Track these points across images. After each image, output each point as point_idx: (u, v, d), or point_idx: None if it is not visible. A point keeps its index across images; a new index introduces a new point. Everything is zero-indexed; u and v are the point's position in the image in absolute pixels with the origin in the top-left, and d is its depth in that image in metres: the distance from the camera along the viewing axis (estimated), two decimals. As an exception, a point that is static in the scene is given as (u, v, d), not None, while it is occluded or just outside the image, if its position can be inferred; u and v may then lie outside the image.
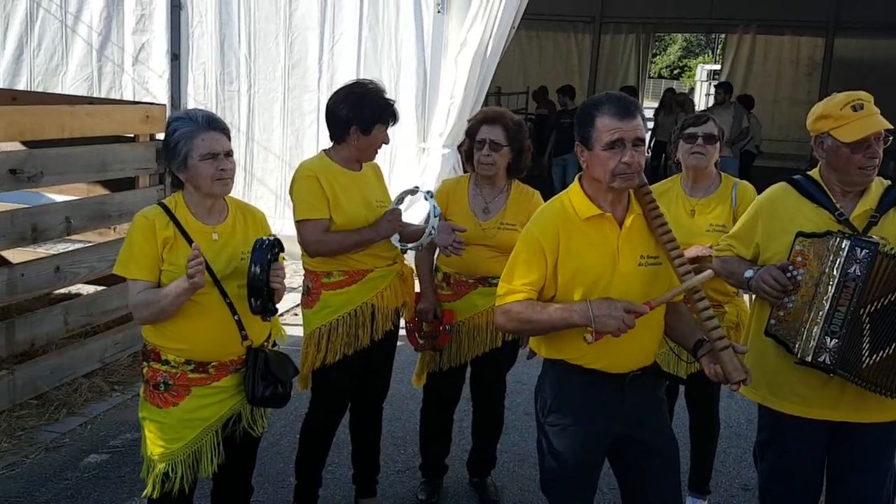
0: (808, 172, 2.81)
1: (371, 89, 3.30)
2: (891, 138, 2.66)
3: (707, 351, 2.45)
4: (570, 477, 2.61)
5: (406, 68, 7.50)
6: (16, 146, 4.61)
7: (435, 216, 3.28)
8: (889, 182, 2.75)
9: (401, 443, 4.36)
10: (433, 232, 3.30)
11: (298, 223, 3.29)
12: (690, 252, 3.13)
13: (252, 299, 2.56)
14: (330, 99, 3.34)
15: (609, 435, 2.58)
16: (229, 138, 2.69)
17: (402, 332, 3.62)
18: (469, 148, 3.54)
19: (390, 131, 3.38)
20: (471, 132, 3.53)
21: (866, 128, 2.57)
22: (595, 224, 2.49)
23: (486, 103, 8.09)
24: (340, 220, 3.26)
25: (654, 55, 30.52)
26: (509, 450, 4.29)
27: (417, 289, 3.63)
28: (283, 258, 2.67)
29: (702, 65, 30.63)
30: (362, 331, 3.35)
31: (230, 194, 2.78)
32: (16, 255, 5.26)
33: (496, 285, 3.38)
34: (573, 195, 2.54)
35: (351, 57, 7.60)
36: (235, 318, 2.64)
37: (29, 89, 8.03)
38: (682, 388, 3.69)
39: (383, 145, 3.37)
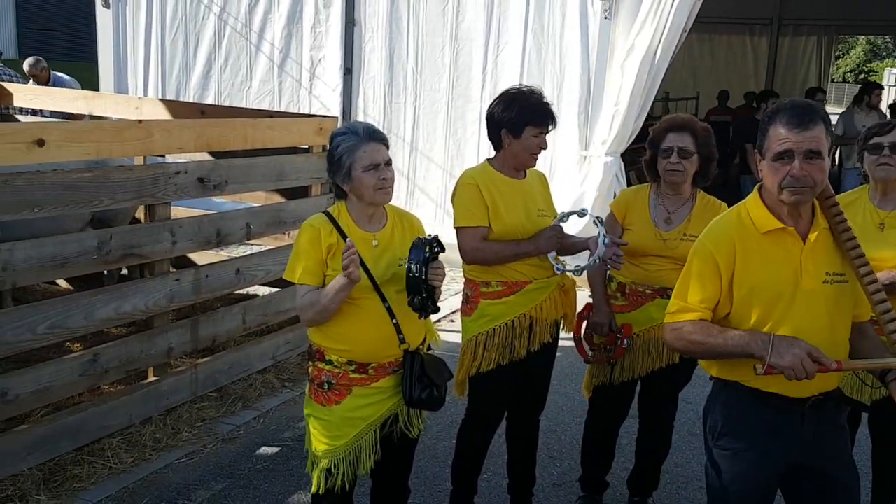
0: None
1: (524, 92, 3.29)
2: None
3: None
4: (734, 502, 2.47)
5: (570, 75, 7.44)
6: (204, 156, 4.97)
7: (604, 244, 3.16)
8: None
9: (556, 455, 4.31)
10: (597, 261, 3.21)
11: (457, 230, 3.34)
12: (882, 277, 2.87)
13: (411, 296, 2.63)
14: (489, 106, 3.37)
15: (784, 463, 2.43)
16: (388, 147, 2.78)
17: (561, 343, 3.58)
18: (652, 157, 3.45)
19: (550, 139, 3.35)
20: (655, 141, 3.43)
21: None
22: (776, 238, 2.35)
23: (652, 109, 7.87)
24: (499, 229, 3.27)
25: (837, 58, 28.60)
26: (671, 471, 4.14)
27: (585, 300, 3.56)
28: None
29: (890, 68, 28.40)
30: (519, 342, 3.34)
31: (391, 201, 2.86)
32: (201, 258, 5.67)
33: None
34: (752, 207, 2.41)
35: (514, 66, 7.63)
36: (394, 321, 2.72)
37: (216, 103, 8.64)
38: (865, 416, 3.42)
39: (541, 151, 3.33)
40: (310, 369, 2.85)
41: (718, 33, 16.46)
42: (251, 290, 5.72)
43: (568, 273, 3.38)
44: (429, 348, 2.95)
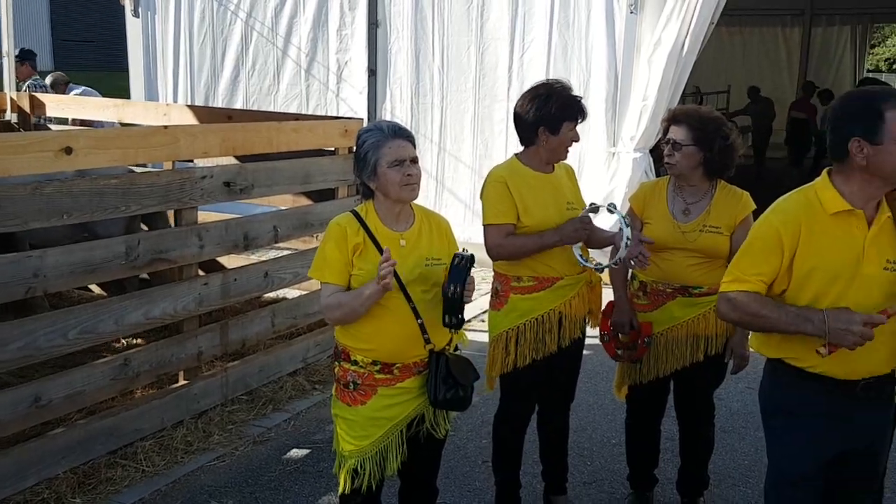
0: None
1: (557, 88, 3.28)
2: None
3: None
4: (787, 485, 2.54)
5: (596, 72, 7.37)
6: (230, 160, 5.00)
7: (626, 245, 3.13)
8: None
9: (587, 454, 4.27)
10: (619, 262, 3.21)
11: (484, 227, 3.34)
12: None
13: (447, 315, 2.64)
14: (517, 103, 3.35)
15: (834, 447, 2.47)
16: (414, 145, 2.76)
17: (589, 341, 3.55)
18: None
19: (578, 130, 3.34)
20: (664, 132, 3.42)
21: None
22: (842, 220, 2.38)
23: (683, 104, 7.76)
24: (530, 223, 3.27)
25: (872, 47, 28.03)
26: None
27: (610, 297, 3.54)
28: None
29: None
30: (549, 336, 3.34)
31: (420, 202, 2.85)
32: (230, 262, 5.71)
33: (697, 295, 3.31)
34: (820, 189, 2.44)
35: (540, 63, 7.58)
36: (419, 321, 2.70)
37: (245, 108, 8.70)
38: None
39: (574, 144, 3.33)
40: (336, 369, 2.84)
41: (749, 25, 16.27)
42: (280, 293, 5.75)
43: (591, 268, 3.37)
44: (455, 348, 2.93)
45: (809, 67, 16.14)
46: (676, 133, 3.30)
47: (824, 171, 2.48)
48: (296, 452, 4.28)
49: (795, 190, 2.53)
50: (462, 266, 2.62)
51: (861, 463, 2.52)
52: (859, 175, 2.36)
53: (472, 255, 2.68)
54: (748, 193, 3.38)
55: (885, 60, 32.69)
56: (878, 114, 2.30)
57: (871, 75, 19.29)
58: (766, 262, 2.42)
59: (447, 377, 2.74)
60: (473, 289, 2.67)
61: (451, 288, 2.60)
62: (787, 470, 2.54)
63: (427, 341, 2.74)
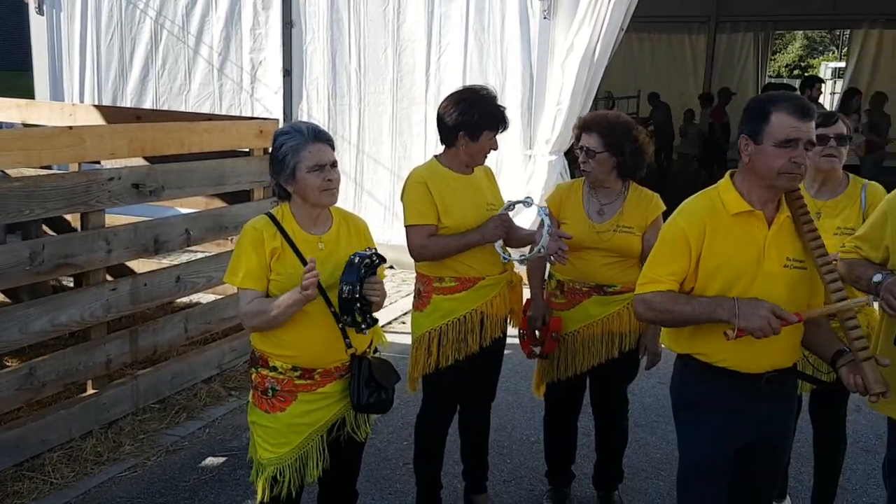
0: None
1: (482, 96, 3.32)
2: None
3: (848, 361, 2.42)
4: (698, 476, 2.62)
5: (512, 75, 7.46)
6: (139, 162, 4.86)
7: (548, 233, 3.21)
8: None
9: (507, 452, 4.32)
10: (542, 250, 3.27)
11: (406, 228, 3.36)
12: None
13: (343, 315, 2.61)
14: (441, 104, 3.38)
15: (741, 438, 2.57)
16: (334, 149, 2.73)
17: (509, 341, 3.60)
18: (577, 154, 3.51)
19: (498, 138, 3.38)
20: (576, 139, 3.50)
21: None
22: (743, 221, 2.48)
23: (595, 108, 7.94)
24: (450, 224, 3.30)
25: (774, 53, 29.28)
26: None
27: (527, 295, 3.60)
28: (384, 268, 2.69)
29: (825, 63, 29.20)
30: (471, 337, 3.37)
31: (338, 204, 2.82)
32: (140, 266, 5.55)
33: (611, 294, 3.40)
34: (723, 190, 2.53)
35: (457, 66, 7.63)
36: (340, 326, 2.67)
37: (155, 108, 8.46)
38: (805, 403, 3.50)
39: (492, 151, 3.38)
40: (253, 376, 2.78)
41: (658, 32, 16.72)
42: (193, 297, 5.61)
43: (514, 261, 3.43)
44: (375, 351, 2.91)
45: (715, 73, 16.70)
46: (588, 141, 3.38)
47: (727, 174, 2.58)
48: (211, 461, 4.18)
49: (700, 192, 2.62)
50: (356, 265, 2.57)
51: (767, 455, 2.62)
52: (749, 175, 2.48)
53: (376, 255, 2.64)
54: (658, 195, 3.49)
55: (786, 66, 34.16)
56: (766, 115, 2.40)
57: (773, 81, 20.12)
58: (675, 262, 2.50)
59: (370, 381, 2.72)
60: (380, 289, 2.63)
61: (343, 287, 2.56)
62: (697, 462, 2.62)
63: (348, 345, 2.71)
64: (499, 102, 3.35)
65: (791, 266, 2.48)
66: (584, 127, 3.43)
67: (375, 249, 2.70)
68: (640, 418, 4.62)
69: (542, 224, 3.26)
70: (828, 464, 3.54)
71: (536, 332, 3.56)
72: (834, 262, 2.94)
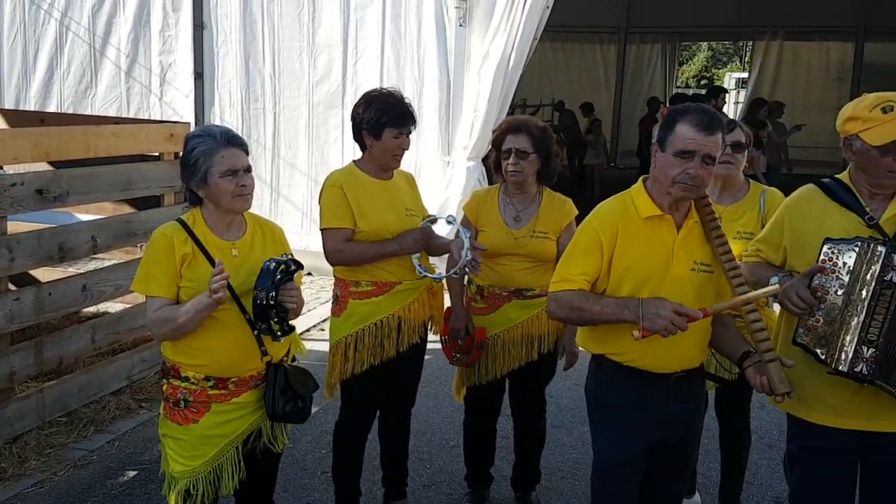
0: (838, 175, 2.74)
1: (384, 93, 3.33)
2: None
3: (754, 362, 2.50)
4: (611, 474, 2.68)
5: (429, 82, 7.50)
6: (43, 167, 4.67)
7: (466, 256, 3.20)
8: None
9: (426, 458, 4.32)
10: (458, 272, 3.29)
11: (322, 232, 3.33)
12: None
13: (258, 323, 2.57)
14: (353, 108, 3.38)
15: (652, 437, 2.63)
16: (248, 153, 2.69)
17: (429, 346, 3.60)
18: (496, 158, 3.53)
19: (414, 144, 3.38)
20: (496, 142, 3.51)
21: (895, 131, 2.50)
22: (654, 224, 2.55)
23: (511, 115, 8.05)
24: (366, 229, 3.28)
25: (681, 64, 30.28)
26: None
27: (448, 303, 3.61)
28: (302, 275, 2.66)
29: (730, 73, 30.35)
30: (388, 342, 3.36)
31: (252, 209, 2.77)
32: (44, 275, 5.33)
33: (531, 297, 3.44)
34: (636, 194, 2.61)
35: (374, 72, 7.62)
36: (254, 333, 2.62)
37: (60, 111, 8.16)
38: (711, 400, 3.62)
39: (403, 151, 3.35)
40: (164, 387, 2.71)
41: (571, 42, 17.09)
42: (101, 307, 5.43)
43: (431, 278, 3.42)
44: (293, 359, 2.87)
45: (625, 83, 17.20)
46: (518, 142, 3.41)
47: (640, 179, 2.66)
48: (121, 475, 4.04)
49: (614, 196, 2.69)
50: (272, 271, 2.52)
51: (676, 453, 2.70)
52: (656, 180, 2.56)
53: (292, 261, 2.60)
54: (571, 200, 3.56)
55: (694, 77, 35.35)
56: (672, 125, 2.49)
57: (679, 91, 20.81)
58: (588, 263, 2.56)
59: (286, 389, 2.68)
60: (297, 296, 2.59)
61: (258, 294, 2.52)
62: (610, 460, 2.68)
63: (264, 353, 2.66)
64: (406, 101, 3.33)
65: (698, 269, 2.56)
66: (511, 129, 3.45)
67: (292, 255, 2.66)
68: (556, 420, 4.70)
69: (461, 244, 3.23)
70: (734, 460, 3.67)
71: (459, 342, 3.57)
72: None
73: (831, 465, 2.66)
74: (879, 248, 2.43)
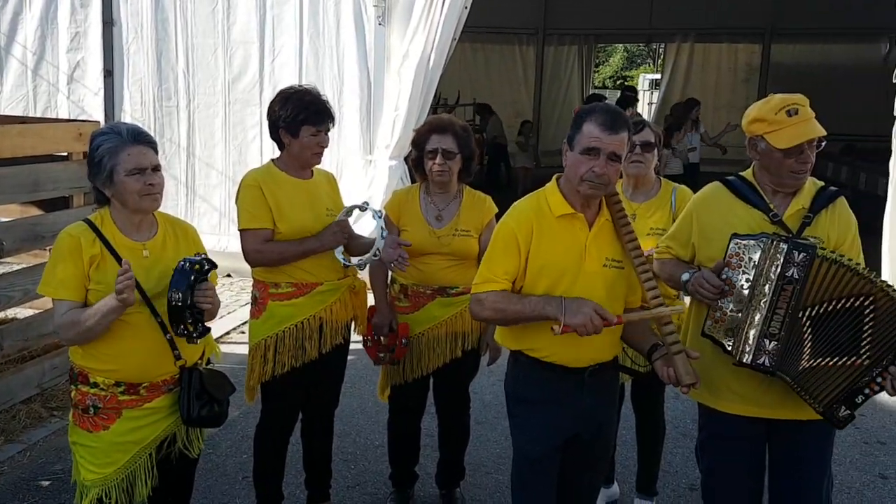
0: (742, 173, 2.84)
1: (300, 90, 3.29)
2: (824, 143, 2.68)
3: (662, 355, 2.59)
4: (529, 468, 2.73)
5: (349, 81, 7.46)
6: (-57, 168, 4.46)
7: (382, 237, 3.24)
8: (822, 182, 2.78)
9: (350, 458, 4.30)
10: (378, 253, 3.28)
11: (240, 232, 3.28)
12: None
13: (172, 324, 2.51)
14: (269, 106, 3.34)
15: (567, 429, 2.68)
16: (157, 151, 2.62)
17: (353, 346, 3.58)
18: (417, 158, 3.52)
19: (335, 143, 3.35)
20: (419, 142, 3.51)
21: (800, 135, 2.59)
22: (566, 222, 2.60)
23: (432, 115, 8.06)
24: (285, 229, 3.24)
25: (598, 65, 30.90)
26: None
27: (371, 302, 3.60)
28: (216, 275, 2.61)
29: (643, 74, 31.08)
30: (309, 344, 3.33)
31: (168, 210, 2.72)
32: (-54, 281, 5.09)
33: (454, 295, 3.47)
34: (549, 193, 2.65)
35: (292, 70, 7.53)
36: (167, 337, 2.56)
37: (-40, 111, 7.82)
38: (627, 392, 3.71)
39: (322, 149, 3.32)
40: (73, 393, 2.63)
41: (491, 43, 17.23)
42: (9, 312, 5.22)
43: (354, 266, 3.40)
44: (208, 362, 2.82)
45: (544, 84, 17.45)
46: (444, 142, 3.42)
47: (554, 177, 2.70)
48: (34, 485, 3.90)
49: (529, 195, 2.74)
50: (186, 271, 2.48)
51: (592, 445, 2.76)
52: (567, 179, 2.62)
53: (206, 260, 2.55)
54: (490, 197, 3.60)
55: (610, 77, 36.10)
56: (580, 124, 2.56)
57: (596, 91, 21.22)
58: (508, 261, 2.60)
59: (201, 393, 2.63)
60: (211, 296, 2.55)
61: (172, 295, 2.47)
62: (528, 453, 2.73)
63: (177, 357, 2.61)
64: (323, 98, 3.31)
65: (610, 265, 2.63)
66: (436, 129, 3.46)
67: (206, 255, 2.61)
68: (480, 416, 4.73)
69: (378, 230, 3.27)
70: (650, 449, 3.78)
71: (382, 339, 3.56)
72: (649, 258, 3.17)
73: (739, 451, 2.77)
74: (782, 245, 2.53)
